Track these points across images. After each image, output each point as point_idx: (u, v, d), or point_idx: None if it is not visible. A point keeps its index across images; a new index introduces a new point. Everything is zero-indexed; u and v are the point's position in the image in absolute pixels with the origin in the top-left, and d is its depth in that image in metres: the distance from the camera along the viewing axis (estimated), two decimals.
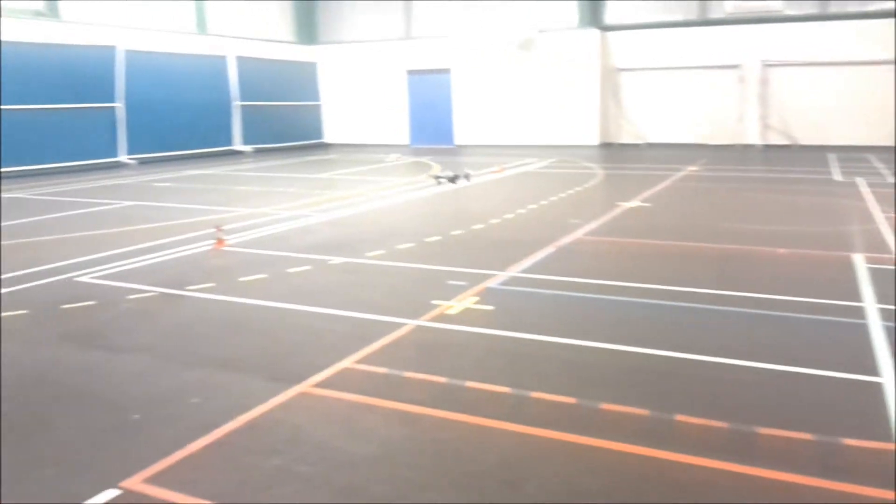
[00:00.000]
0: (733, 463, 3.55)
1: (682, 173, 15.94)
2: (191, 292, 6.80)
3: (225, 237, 8.99)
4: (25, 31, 17.85)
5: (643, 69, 23.67)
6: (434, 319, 5.86)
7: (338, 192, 14.03)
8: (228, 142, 23.53)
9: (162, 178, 16.99)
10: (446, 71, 25.75)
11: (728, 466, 3.52)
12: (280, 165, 19.91)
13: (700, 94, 22.98)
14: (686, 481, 3.44)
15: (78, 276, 7.46)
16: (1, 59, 16.97)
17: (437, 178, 14.90)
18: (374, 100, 26.90)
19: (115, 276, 7.42)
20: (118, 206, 12.61)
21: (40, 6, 18.76)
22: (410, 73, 26.41)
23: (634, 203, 11.77)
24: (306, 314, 6.11)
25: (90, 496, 3.32)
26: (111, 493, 3.35)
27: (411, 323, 5.78)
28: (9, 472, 3.61)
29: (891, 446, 3.68)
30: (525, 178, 16.04)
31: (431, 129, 26.27)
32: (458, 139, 25.90)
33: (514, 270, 7.42)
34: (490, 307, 6.18)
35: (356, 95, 27.20)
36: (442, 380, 4.62)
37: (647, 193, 12.84)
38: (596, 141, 24.10)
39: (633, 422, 4.03)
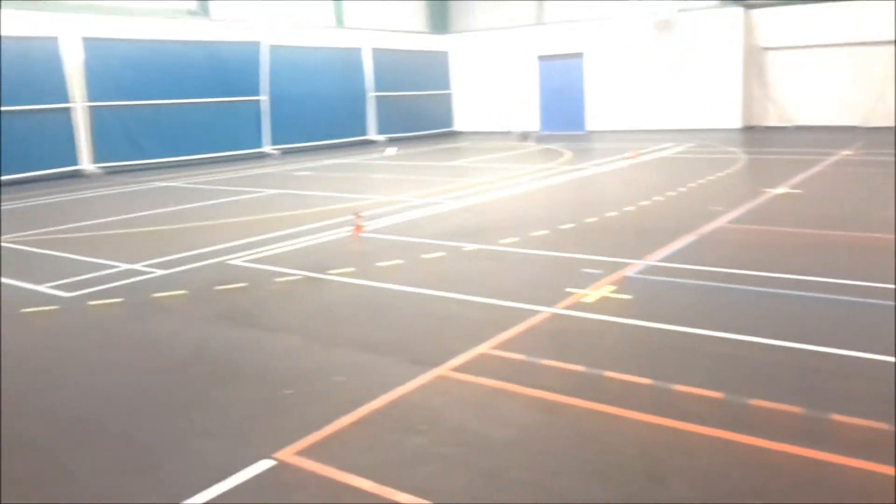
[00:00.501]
0: None
1: (834, 158, 14.91)
2: (332, 276, 7.07)
3: (363, 223, 9.28)
4: (179, 29, 19.10)
5: (791, 48, 22.26)
6: (570, 307, 5.80)
7: (469, 179, 14.14)
8: (363, 132, 24.23)
9: (302, 167, 17.75)
10: (579, 55, 25.30)
11: (891, 470, 3.28)
12: (412, 154, 20.30)
13: (854, 73, 21.35)
14: (843, 483, 3.23)
15: (229, 259, 7.94)
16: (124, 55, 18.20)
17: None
18: (504, 87, 26.85)
19: (263, 260, 7.84)
20: (263, 194, 13.29)
21: (193, 6, 20.01)
22: (541, 58, 26.16)
23: (782, 189, 11.12)
24: (442, 299, 6.21)
25: (247, 465, 3.54)
26: (266, 464, 3.55)
27: (547, 310, 5.75)
28: (172, 440, 3.91)
29: None
30: (661, 164, 15.53)
31: (562, 114, 25.93)
32: (590, 125, 25.42)
33: (653, 259, 7.21)
34: (628, 296, 6.04)
35: (486, 83, 27.26)
36: (580, 368, 4.57)
37: (796, 179, 12.11)
38: (738, 124, 22.96)
39: (786, 419, 3.82)
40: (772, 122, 22.94)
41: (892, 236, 7.76)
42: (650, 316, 5.52)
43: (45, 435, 4.05)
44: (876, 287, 6.00)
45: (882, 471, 3.29)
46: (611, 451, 3.60)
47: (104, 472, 3.60)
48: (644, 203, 10.41)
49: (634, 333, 5.27)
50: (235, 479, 3.43)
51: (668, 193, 11.19)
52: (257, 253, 8.18)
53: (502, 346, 5.03)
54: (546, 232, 8.69)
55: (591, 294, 6.10)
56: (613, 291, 6.17)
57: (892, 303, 5.58)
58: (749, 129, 22.87)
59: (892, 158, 14.79)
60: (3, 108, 15.44)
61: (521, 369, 4.63)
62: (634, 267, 6.93)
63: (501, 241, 8.26)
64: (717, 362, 4.67)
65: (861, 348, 4.70)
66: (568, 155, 17.92)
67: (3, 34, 15.43)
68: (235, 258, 7.97)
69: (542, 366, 4.66)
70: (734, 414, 3.91)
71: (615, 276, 6.61)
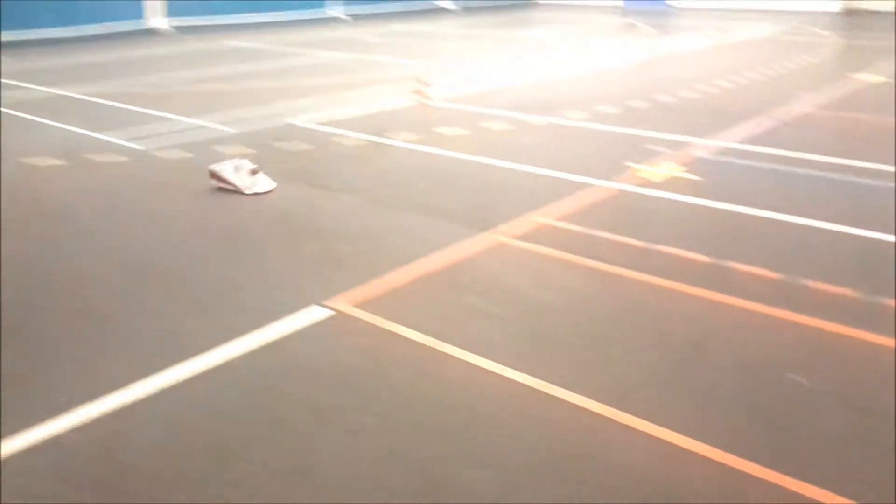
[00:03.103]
0: None
1: None
2: (396, 141, 7.06)
3: (428, 91, 9.13)
4: None
5: None
6: (637, 184, 5.69)
7: (542, 51, 13.65)
8: None
9: (371, 32, 17.39)
10: None
11: None
12: (486, 23, 19.60)
13: None
14: (889, 363, 3.20)
15: (296, 120, 7.98)
16: None
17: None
18: None
19: (328, 123, 7.85)
20: (331, 57, 13.14)
21: None
22: None
23: (870, 77, 10.43)
24: (504, 170, 6.16)
25: (295, 311, 3.68)
26: (323, 312, 3.69)
27: (612, 186, 5.65)
28: (226, 285, 4.08)
29: None
30: (749, 46, 14.65)
31: None
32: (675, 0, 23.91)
33: (727, 141, 6.94)
34: (697, 177, 5.88)
35: None
36: (639, 243, 4.53)
37: (889, 68, 11.31)
38: (837, 7, 21.28)
39: (840, 301, 3.76)
40: (873, 6, 21.16)
41: None
42: (718, 197, 5.38)
43: (110, 274, 4.27)
44: None
45: None
46: (659, 321, 3.62)
47: (161, 310, 3.80)
48: (724, 84, 9.93)
49: (700, 213, 5.16)
50: (290, 324, 3.57)
51: (750, 75, 10.62)
52: (323, 115, 8.18)
53: (563, 217, 5.00)
54: (616, 109, 8.41)
55: (659, 172, 5.95)
56: (683, 171, 6.00)
57: None
58: (849, 14, 21.20)
59: None
60: None
61: (579, 241, 4.61)
62: (707, 148, 6.70)
63: (569, 115, 8.05)
64: (781, 245, 4.57)
65: None
66: (648, 31, 17.06)
67: None
68: (302, 119, 8.00)
69: (601, 238, 4.63)
70: (789, 294, 3.85)
71: (686, 156, 6.41)
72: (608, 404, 2.92)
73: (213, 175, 5.68)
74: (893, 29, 16.35)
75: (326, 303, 3.76)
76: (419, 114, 8.33)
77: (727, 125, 7.50)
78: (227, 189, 5.59)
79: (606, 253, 4.39)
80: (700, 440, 2.70)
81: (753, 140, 6.97)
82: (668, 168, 6.04)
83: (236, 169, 5.62)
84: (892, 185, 5.64)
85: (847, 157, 6.32)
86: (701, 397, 3.02)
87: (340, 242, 4.64)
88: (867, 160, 6.24)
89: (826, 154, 6.43)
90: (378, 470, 2.58)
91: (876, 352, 3.32)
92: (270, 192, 5.60)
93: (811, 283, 3.95)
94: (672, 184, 5.68)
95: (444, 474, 2.56)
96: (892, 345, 3.35)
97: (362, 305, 3.75)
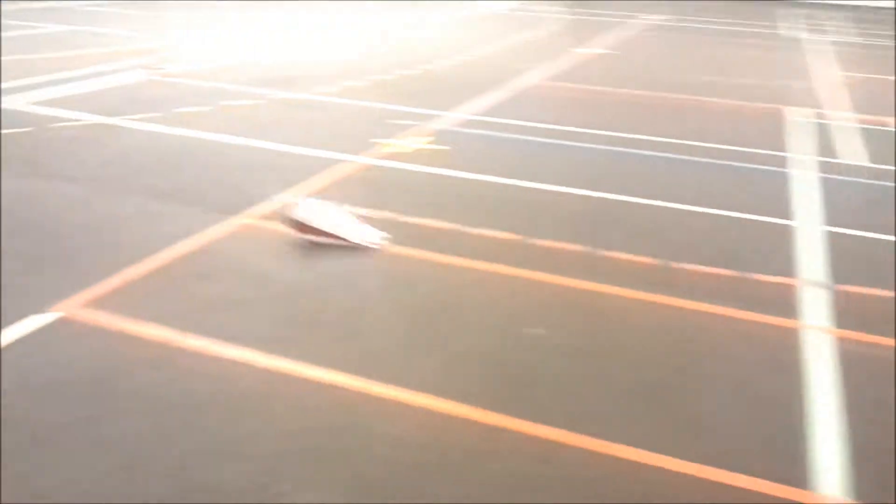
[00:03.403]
0: (655, 293, 3.75)
1: (647, 21, 15.54)
2: (129, 122, 6.52)
3: (166, 66, 8.55)
4: None
5: None
6: (385, 158, 5.78)
7: (287, 22, 13.32)
8: None
9: (96, 1, 15.85)
10: None
11: (649, 297, 3.72)
12: None
13: None
14: (608, 307, 3.63)
15: (9, 101, 7.06)
16: None
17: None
18: None
19: (48, 103, 7.04)
20: (48, 30, 11.80)
21: None
22: None
23: (592, 50, 11.52)
24: (250, 148, 5.96)
25: (14, 320, 3.29)
26: (49, 317, 3.33)
27: (361, 161, 5.69)
28: None
29: (794, 281, 3.96)
30: (484, 21, 15.45)
31: None
32: None
33: (468, 113, 7.28)
34: (441, 148, 6.11)
35: None
36: (388, 216, 4.61)
37: (606, 41, 12.56)
38: None
39: (568, 256, 4.16)
40: None
41: (676, 95, 8.39)
42: (461, 167, 5.63)
43: None
44: (659, 141, 6.55)
45: (643, 297, 3.71)
46: (408, 290, 3.75)
47: None
48: (464, 57, 10.40)
49: (444, 183, 5.37)
50: (12, 333, 3.19)
51: (489, 49, 11.23)
52: (42, 94, 7.33)
53: (312, 195, 4.93)
54: (361, 83, 8.46)
55: (408, 145, 6.10)
56: (431, 143, 6.20)
57: (670, 154, 6.19)
58: None
59: (702, 25, 15.69)
60: None
61: None
62: (451, 120, 6.99)
63: (316, 90, 7.97)
64: (518, 209, 4.91)
65: (640, 195, 5.19)
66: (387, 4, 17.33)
67: None
68: (17, 100, 7.10)
69: (352, 214, 4.64)
70: (525, 253, 4.17)
71: (433, 128, 6.63)
72: (364, 377, 2.96)
73: (301, 227, 4.08)
74: (618, 7, 18.14)
75: (51, 307, 3.39)
76: (155, 91, 7.76)
77: (468, 97, 7.86)
78: (330, 245, 4.09)
79: None
80: (454, 400, 2.84)
81: (491, 111, 7.39)
82: (414, 141, 6.21)
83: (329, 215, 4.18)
84: (614, 148, 6.31)
85: (572, 125, 6.93)
86: (452, 359, 3.17)
87: (66, 238, 4.20)
88: (589, 127, 6.90)
89: (553, 122, 7.00)
90: (121, 481, 2.40)
91: (597, 298, 3.70)
92: (384, 244, 4.15)
93: (544, 243, 4.30)
94: (418, 156, 5.85)
95: (197, 474, 2.44)
96: (613, 291, 3.75)
97: (94, 305, 3.44)
